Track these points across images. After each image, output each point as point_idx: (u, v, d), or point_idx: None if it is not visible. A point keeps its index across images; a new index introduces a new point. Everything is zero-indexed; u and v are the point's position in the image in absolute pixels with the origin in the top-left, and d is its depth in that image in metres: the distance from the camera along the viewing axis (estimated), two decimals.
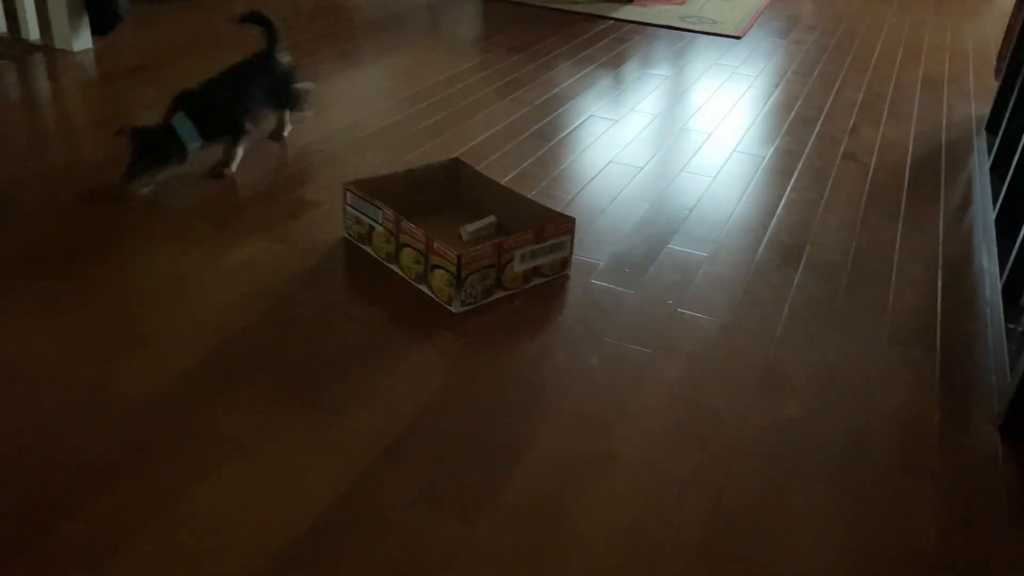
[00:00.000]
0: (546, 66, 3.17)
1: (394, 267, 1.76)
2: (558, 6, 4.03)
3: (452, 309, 1.64)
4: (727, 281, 1.84)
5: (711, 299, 1.76)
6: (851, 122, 2.82)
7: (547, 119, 2.67)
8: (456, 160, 2.02)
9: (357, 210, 1.81)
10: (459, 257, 1.59)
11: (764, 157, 2.50)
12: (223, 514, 1.17)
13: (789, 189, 2.30)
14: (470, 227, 1.87)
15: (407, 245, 1.70)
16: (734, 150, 2.54)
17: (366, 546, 1.14)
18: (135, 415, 1.33)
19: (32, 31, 2.91)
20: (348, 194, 1.83)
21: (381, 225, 1.75)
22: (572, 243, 1.79)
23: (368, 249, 1.82)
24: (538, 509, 1.22)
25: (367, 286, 1.73)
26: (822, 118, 2.84)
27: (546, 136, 2.54)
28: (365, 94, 2.79)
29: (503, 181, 2.18)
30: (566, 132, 2.58)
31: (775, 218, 2.13)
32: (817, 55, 3.55)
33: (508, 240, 1.66)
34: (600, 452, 1.34)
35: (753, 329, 1.68)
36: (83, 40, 2.91)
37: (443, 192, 2.00)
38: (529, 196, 1.98)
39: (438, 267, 1.64)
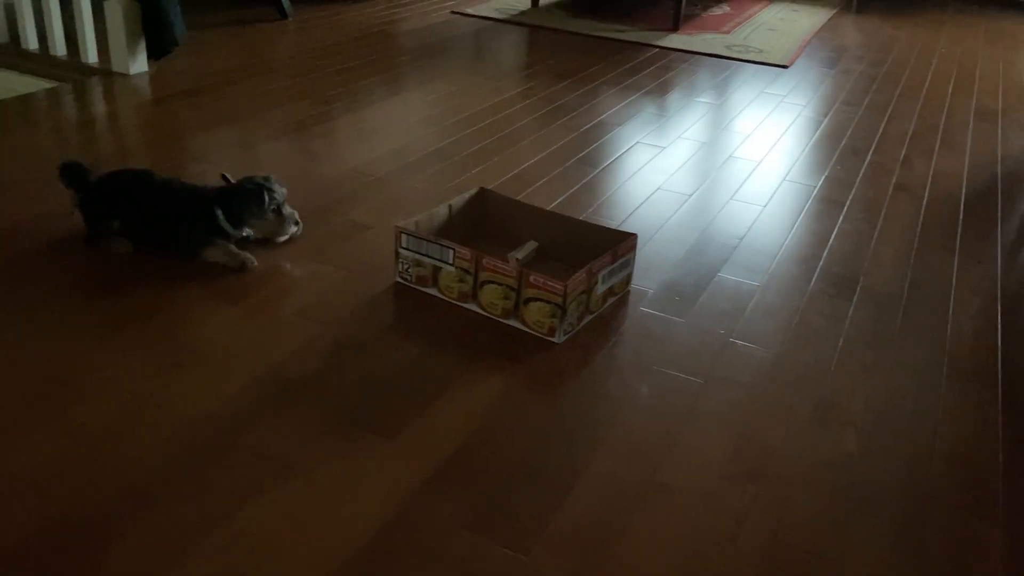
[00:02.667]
0: (591, 93, 3.18)
1: (470, 305, 1.71)
2: (603, 34, 4.04)
3: (555, 340, 1.62)
4: (779, 311, 1.81)
5: (763, 329, 1.73)
6: (903, 153, 2.78)
7: (593, 146, 2.67)
8: (482, 189, 2.00)
9: (417, 252, 1.75)
10: (565, 287, 1.57)
11: (814, 187, 2.47)
12: (275, 534, 1.16)
13: (841, 219, 2.27)
14: (518, 254, 1.86)
15: (491, 282, 1.66)
16: (784, 179, 2.51)
17: (415, 571, 1.13)
18: (188, 433, 1.34)
19: (90, 54, 2.98)
20: (403, 237, 1.75)
21: (452, 265, 1.70)
22: (634, 259, 1.82)
23: (432, 291, 1.76)
24: (589, 538, 1.20)
25: (418, 311, 1.73)
26: (873, 148, 2.80)
27: (593, 163, 2.54)
28: (411, 120, 2.81)
29: (550, 207, 2.18)
30: (613, 159, 2.58)
31: (827, 248, 2.10)
32: (866, 85, 3.52)
33: (595, 264, 1.65)
34: (652, 482, 1.31)
35: (807, 360, 1.64)
36: (139, 64, 2.98)
37: (473, 222, 1.98)
38: (560, 214, 1.96)
39: (536, 299, 1.61)
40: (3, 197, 2.07)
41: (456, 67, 3.45)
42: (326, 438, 1.35)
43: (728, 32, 4.29)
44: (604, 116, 2.94)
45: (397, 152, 2.52)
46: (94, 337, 1.56)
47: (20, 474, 1.23)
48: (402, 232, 1.76)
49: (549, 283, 1.59)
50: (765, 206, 2.32)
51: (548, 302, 1.60)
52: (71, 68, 2.97)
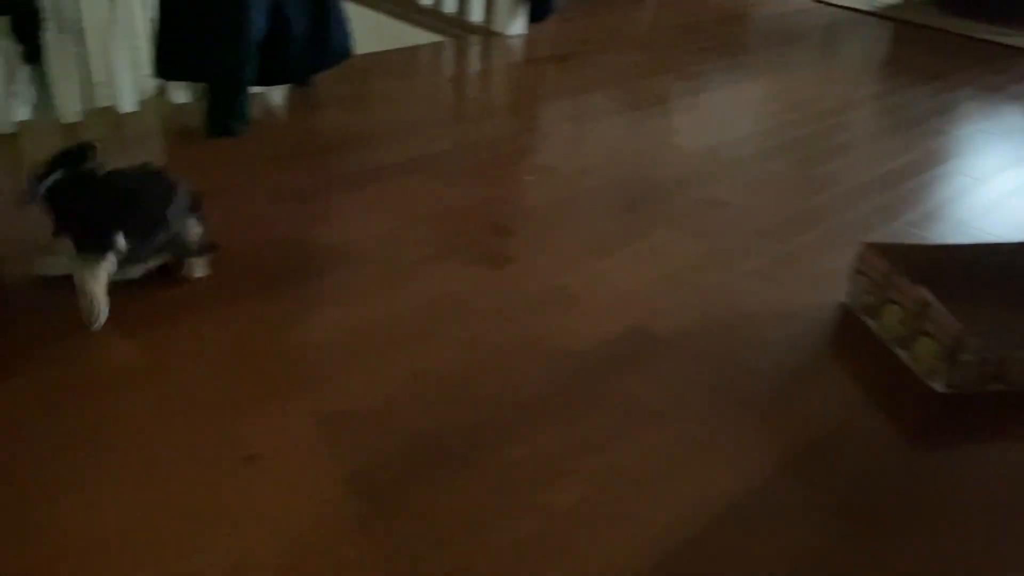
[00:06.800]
0: (961, 100, 2.93)
1: (868, 320, 1.63)
2: (979, 35, 3.70)
3: (935, 386, 1.46)
4: None
5: None
6: None
7: (964, 157, 2.47)
8: None
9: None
10: (960, 331, 1.41)
11: None
12: (637, 475, 1.23)
13: None
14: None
15: (893, 301, 1.57)
16: None
17: (770, 546, 1.14)
18: (570, 366, 1.45)
19: (477, 13, 3.24)
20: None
21: (867, 275, 1.64)
22: None
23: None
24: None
25: (797, 301, 1.72)
26: None
27: (965, 171, 2.35)
28: (769, 106, 2.77)
29: (898, 222, 2.06)
30: (988, 171, 2.37)
31: None
32: None
33: None
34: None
35: None
36: (518, 26, 3.20)
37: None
38: None
39: (928, 335, 1.48)
40: (376, 141, 2.33)
41: (816, 56, 3.34)
42: (694, 398, 1.40)
43: None
44: (970, 127, 2.71)
45: (755, 135, 2.51)
46: (482, 267, 1.72)
47: (430, 374, 1.40)
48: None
49: (946, 320, 1.45)
50: None
51: (938, 341, 1.46)
52: (457, 25, 3.25)
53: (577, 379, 1.42)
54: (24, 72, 4.16)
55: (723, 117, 2.64)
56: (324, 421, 1.27)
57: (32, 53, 4.14)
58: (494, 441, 1.27)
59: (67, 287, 1.45)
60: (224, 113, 2.17)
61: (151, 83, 2.88)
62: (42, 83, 4.11)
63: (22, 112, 4.00)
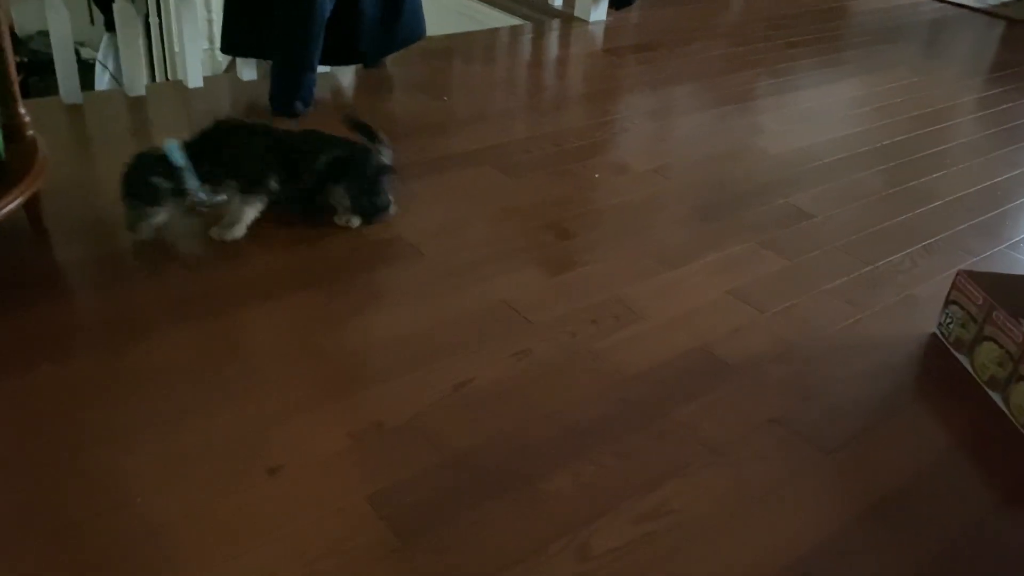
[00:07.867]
0: None
1: (961, 357, 1.48)
2: None
3: None
4: None
5: None
6: None
7: None
8: None
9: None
10: None
11: None
12: (695, 519, 1.12)
13: None
14: None
15: (991, 339, 1.43)
16: None
17: None
18: (622, 390, 1.34)
19: None
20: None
21: (961, 306, 1.50)
22: None
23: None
24: None
25: (882, 329, 1.57)
26: None
27: None
28: (864, 108, 2.59)
29: (999, 245, 1.88)
30: None
31: None
32: None
33: None
34: None
35: None
36: (600, 12, 3.07)
37: None
38: None
39: None
40: (444, 128, 2.24)
41: (918, 56, 3.12)
42: (760, 434, 1.27)
43: None
44: None
45: (846, 140, 2.34)
46: (539, 269, 1.62)
47: (473, 388, 1.31)
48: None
49: None
50: None
51: None
52: (538, 9, 3.14)
53: (632, 404, 1.31)
54: (108, 41, 4.22)
55: (812, 119, 2.47)
56: (355, 434, 1.20)
57: (113, 22, 4.20)
58: (535, 467, 1.17)
59: (129, 265, 1.41)
60: (288, 92, 2.11)
61: (220, 59, 2.87)
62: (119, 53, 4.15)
63: (105, 81, 4.06)
